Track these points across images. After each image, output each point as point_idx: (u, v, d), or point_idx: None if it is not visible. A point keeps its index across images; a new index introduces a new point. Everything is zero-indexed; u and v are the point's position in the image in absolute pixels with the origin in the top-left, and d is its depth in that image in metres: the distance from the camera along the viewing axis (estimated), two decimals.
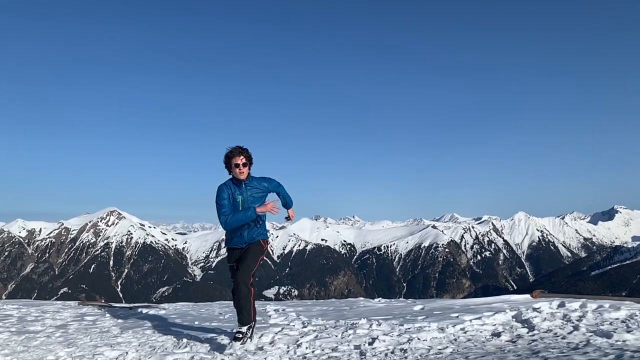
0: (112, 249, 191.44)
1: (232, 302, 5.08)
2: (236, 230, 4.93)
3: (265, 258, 5.15)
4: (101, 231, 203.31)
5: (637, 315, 5.13)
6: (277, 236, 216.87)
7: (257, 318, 7.06)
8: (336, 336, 4.99)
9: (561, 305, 5.94)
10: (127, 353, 4.71)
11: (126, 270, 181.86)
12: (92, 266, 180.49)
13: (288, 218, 5.46)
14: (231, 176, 4.92)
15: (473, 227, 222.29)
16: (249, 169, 4.91)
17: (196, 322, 6.90)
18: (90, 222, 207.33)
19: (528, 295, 7.51)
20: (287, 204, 5.37)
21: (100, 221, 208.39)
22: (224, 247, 5.61)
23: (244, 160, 4.81)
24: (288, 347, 4.65)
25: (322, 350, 4.47)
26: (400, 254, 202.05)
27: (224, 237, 5.10)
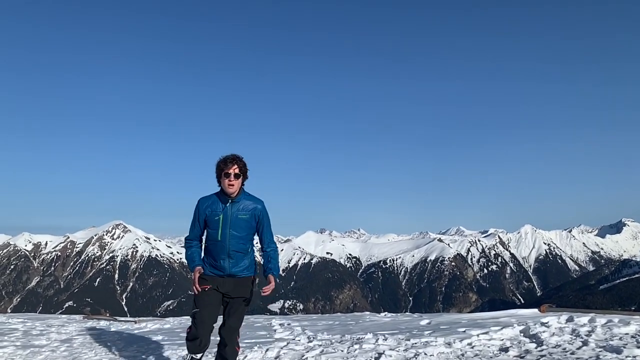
0: (118, 263, 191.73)
1: None
2: (208, 256, 3.90)
3: None
4: (107, 244, 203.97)
5: None
6: (282, 249, 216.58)
7: (262, 332, 7.05)
8: (342, 351, 4.96)
9: (570, 319, 5.87)
10: None
11: (131, 284, 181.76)
12: (97, 280, 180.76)
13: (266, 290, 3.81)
14: (220, 189, 3.93)
15: (479, 241, 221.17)
16: (242, 183, 3.89)
17: None
18: (95, 236, 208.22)
19: (536, 310, 7.45)
20: (269, 268, 3.88)
21: (106, 234, 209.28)
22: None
23: (236, 170, 3.78)
24: None
25: None
26: (406, 268, 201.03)
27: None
